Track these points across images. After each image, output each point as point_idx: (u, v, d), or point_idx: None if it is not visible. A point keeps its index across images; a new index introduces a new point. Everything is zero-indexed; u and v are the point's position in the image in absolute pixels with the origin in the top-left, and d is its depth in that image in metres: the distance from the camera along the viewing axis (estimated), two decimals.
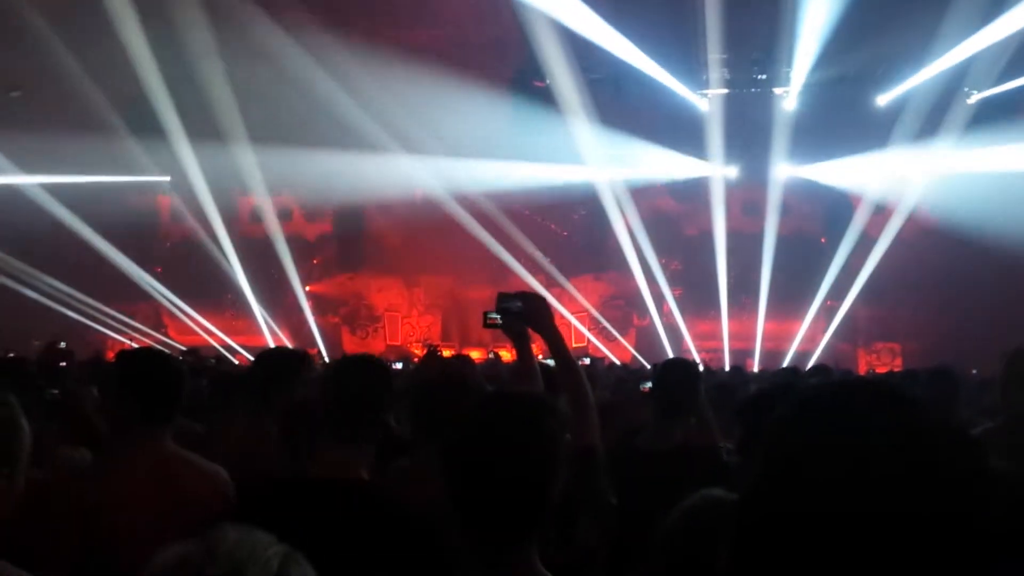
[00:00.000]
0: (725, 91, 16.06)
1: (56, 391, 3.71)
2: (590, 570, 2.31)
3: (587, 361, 8.95)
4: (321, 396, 2.41)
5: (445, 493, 1.63)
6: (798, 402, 0.88)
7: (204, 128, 18.26)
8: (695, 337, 20.33)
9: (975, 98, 14.72)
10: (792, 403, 0.88)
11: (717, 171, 19.06)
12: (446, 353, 18.57)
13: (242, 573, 1.03)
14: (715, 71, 15.39)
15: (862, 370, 17.67)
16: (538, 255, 20.34)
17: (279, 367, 3.66)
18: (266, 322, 20.85)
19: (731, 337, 20.28)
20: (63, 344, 3.51)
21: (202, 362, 8.25)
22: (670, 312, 20.65)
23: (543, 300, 2.78)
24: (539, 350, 3.11)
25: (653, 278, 20.15)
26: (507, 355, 13.04)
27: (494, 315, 2.83)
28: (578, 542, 2.30)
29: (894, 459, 0.78)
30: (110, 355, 17.01)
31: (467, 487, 1.60)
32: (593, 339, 21.26)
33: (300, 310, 22.19)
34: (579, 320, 21.37)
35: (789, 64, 15.08)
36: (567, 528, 2.30)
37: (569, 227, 22.82)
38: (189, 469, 2.67)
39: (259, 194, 23.11)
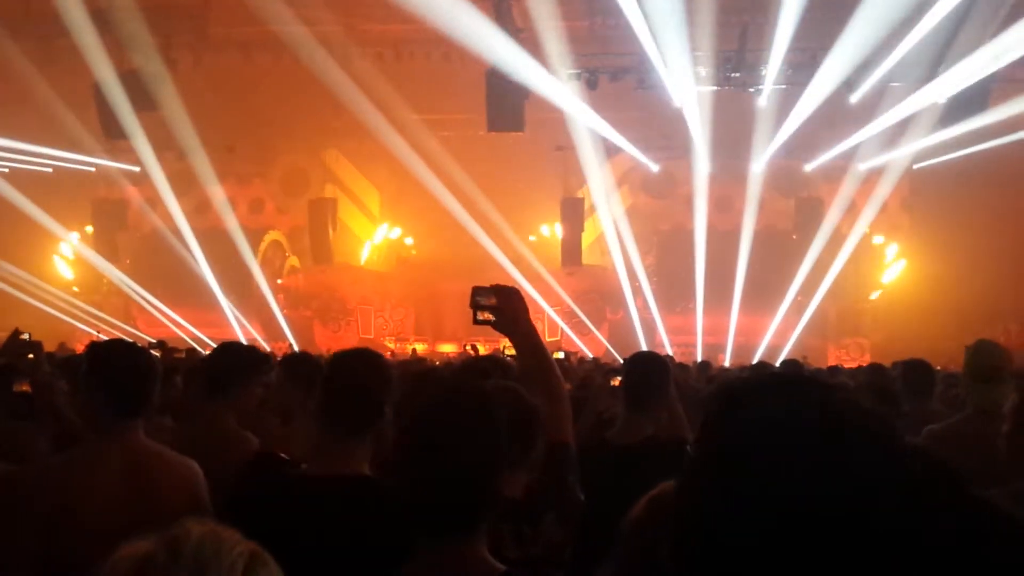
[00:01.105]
0: (700, 88, 16.11)
1: (24, 384, 3.63)
2: (553, 567, 2.29)
3: (561, 355, 8.94)
4: (318, 390, 2.35)
5: (398, 482, 1.63)
6: (725, 394, 0.91)
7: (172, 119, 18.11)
8: (668, 331, 20.47)
9: (945, 97, 14.90)
10: (720, 396, 0.91)
11: (700, 168, 19.06)
12: (419, 348, 18.54)
13: (204, 573, 1.00)
14: (692, 69, 15.42)
15: (831, 364, 17.87)
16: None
17: (243, 361, 3.59)
18: (235, 315, 20.70)
19: (703, 332, 20.46)
20: (27, 335, 3.42)
21: (171, 356, 8.12)
22: (643, 306, 20.79)
23: (518, 293, 2.76)
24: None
25: (629, 272, 20.29)
26: (484, 348, 13.02)
27: (485, 311, 2.71)
28: (541, 539, 2.28)
29: (812, 445, 0.81)
30: (78, 347, 16.79)
31: (413, 474, 1.60)
32: (569, 331, 21.33)
33: (269, 303, 22.11)
34: (553, 314, 21.44)
35: (764, 62, 15.16)
36: (531, 525, 2.28)
37: (546, 220, 22.88)
38: (160, 463, 2.62)
39: (230, 185, 23.02)
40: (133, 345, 2.82)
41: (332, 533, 2.08)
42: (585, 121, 17.30)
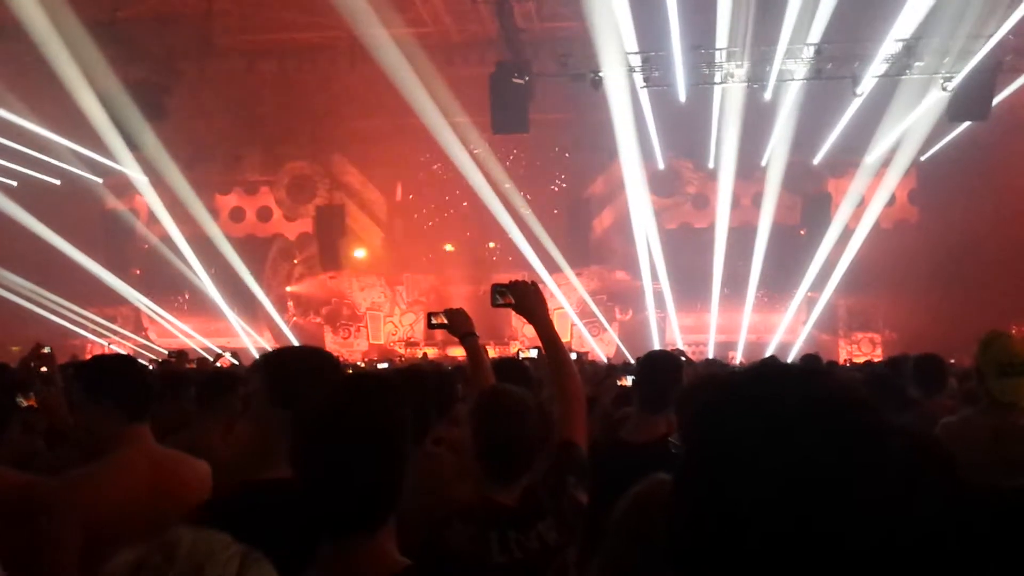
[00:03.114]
0: (707, 85, 16.05)
1: (28, 398, 3.65)
2: (546, 570, 2.28)
3: (574, 356, 8.93)
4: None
5: (297, 481, 1.59)
6: (719, 386, 0.92)
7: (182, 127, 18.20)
8: (680, 330, 20.43)
9: (950, 87, 14.83)
10: (713, 387, 0.93)
11: (725, 165, 18.87)
12: (430, 353, 18.57)
13: (202, 573, 1.02)
14: (697, 65, 15.37)
15: (841, 360, 17.81)
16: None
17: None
18: (240, 325, 20.78)
19: (705, 328, 20.44)
20: (48, 349, 3.46)
21: (183, 366, 8.16)
22: (653, 306, 20.78)
23: (534, 287, 2.81)
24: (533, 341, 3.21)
25: (638, 272, 20.27)
26: (494, 352, 13.08)
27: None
28: (532, 543, 2.25)
29: (804, 430, 0.82)
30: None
31: (311, 473, 1.56)
32: (585, 331, 21.28)
33: (279, 310, 22.20)
34: (561, 316, 21.41)
35: (769, 59, 15.10)
36: (520, 530, 2.27)
37: (552, 222, 22.87)
38: (180, 462, 2.72)
39: (238, 194, 23.14)
40: (128, 356, 2.91)
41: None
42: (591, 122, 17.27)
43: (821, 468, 0.79)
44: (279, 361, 2.26)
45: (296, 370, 2.16)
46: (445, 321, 3.19)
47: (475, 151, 18.86)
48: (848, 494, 0.78)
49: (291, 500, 1.82)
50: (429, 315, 3.28)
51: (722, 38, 14.74)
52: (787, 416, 0.83)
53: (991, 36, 13.78)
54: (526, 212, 19.61)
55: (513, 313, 2.92)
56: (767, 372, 0.92)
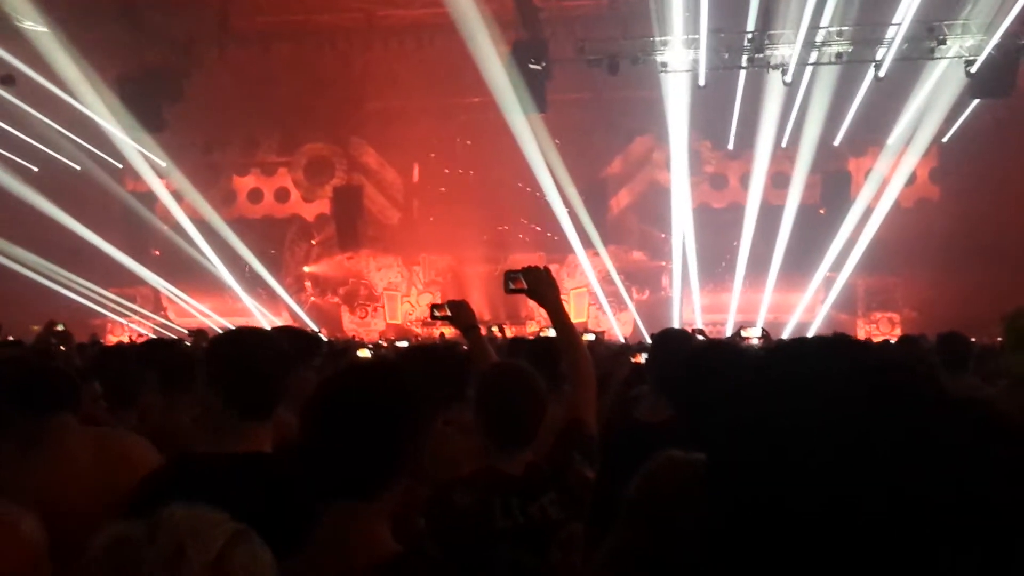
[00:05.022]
0: (726, 68, 15.87)
1: None
2: (550, 541, 2.36)
3: (591, 337, 8.94)
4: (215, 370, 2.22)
5: (300, 449, 1.67)
6: (757, 364, 0.89)
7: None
8: (699, 309, 20.37)
9: (973, 69, 14.60)
10: (751, 366, 0.89)
11: (761, 145, 18.66)
12: (447, 332, 18.69)
13: (182, 551, 1.02)
14: (712, 47, 15.20)
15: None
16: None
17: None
18: (256, 306, 20.94)
19: (722, 308, 20.39)
20: (62, 326, 3.47)
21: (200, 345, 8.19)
22: (668, 286, 20.73)
23: (545, 272, 2.88)
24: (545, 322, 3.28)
25: (654, 252, 20.18)
26: (510, 331, 13.11)
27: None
28: (535, 514, 2.33)
29: (853, 407, 0.78)
30: (108, 339, 17.06)
31: (313, 442, 1.64)
32: (607, 307, 21.23)
33: (297, 290, 22.34)
34: (578, 296, 21.38)
35: (791, 42, 14.88)
36: (523, 498, 2.35)
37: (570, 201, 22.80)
38: (126, 439, 2.80)
39: (256, 175, 23.23)
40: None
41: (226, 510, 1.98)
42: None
43: (887, 445, 0.75)
44: (212, 344, 2.40)
45: (224, 352, 2.27)
46: (448, 314, 3.31)
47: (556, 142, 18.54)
48: (918, 470, 0.73)
49: (225, 474, 2.00)
50: (432, 307, 3.39)
51: (748, 22, 14.57)
52: (846, 389, 0.79)
53: (1012, 10, 13.53)
54: (571, 191, 19.38)
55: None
56: (822, 343, 0.87)
